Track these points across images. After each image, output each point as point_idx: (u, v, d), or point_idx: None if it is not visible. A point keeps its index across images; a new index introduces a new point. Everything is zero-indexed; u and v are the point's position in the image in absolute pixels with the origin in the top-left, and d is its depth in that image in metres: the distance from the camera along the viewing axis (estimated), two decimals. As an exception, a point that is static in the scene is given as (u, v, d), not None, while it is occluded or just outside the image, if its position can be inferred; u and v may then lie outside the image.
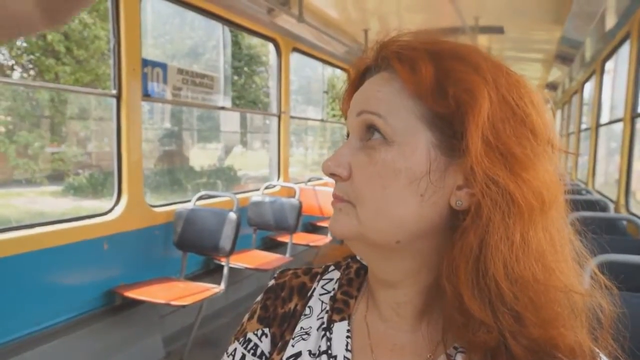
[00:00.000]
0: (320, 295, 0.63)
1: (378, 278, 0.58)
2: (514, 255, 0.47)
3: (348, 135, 0.56)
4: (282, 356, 0.59)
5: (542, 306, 0.48)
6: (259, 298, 0.68)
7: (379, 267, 0.57)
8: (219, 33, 12.06)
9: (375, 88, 0.54)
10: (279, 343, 0.62)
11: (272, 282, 0.69)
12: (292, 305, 0.64)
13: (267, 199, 4.23)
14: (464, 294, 0.48)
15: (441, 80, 0.49)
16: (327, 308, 0.61)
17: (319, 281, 0.66)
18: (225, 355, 0.66)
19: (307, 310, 0.62)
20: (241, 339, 0.65)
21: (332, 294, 0.63)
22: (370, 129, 0.52)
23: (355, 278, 0.64)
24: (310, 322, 0.61)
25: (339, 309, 0.60)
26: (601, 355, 0.51)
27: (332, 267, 0.67)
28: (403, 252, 0.53)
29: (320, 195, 4.78)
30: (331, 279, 0.65)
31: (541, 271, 0.48)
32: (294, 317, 0.63)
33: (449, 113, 0.49)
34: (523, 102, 0.50)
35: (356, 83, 0.58)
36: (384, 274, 0.56)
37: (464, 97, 0.48)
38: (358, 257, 0.66)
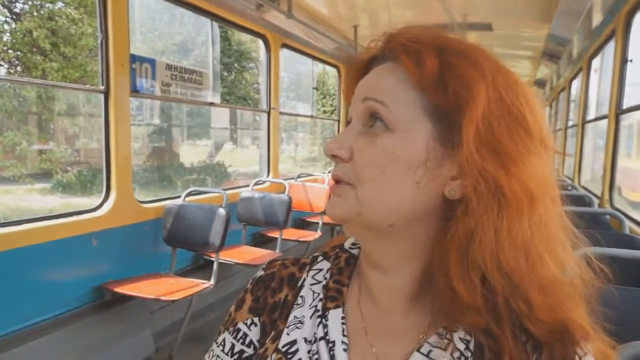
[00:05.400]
0: (311, 285, 0.65)
1: (372, 261, 0.59)
2: (500, 245, 0.50)
3: (349, 122, 0.58)
4: (277, 344, 0.60)
5: (532, 292, 0.51)
6: (248, 287, 0.69)
7: (373, 250, 0.58)
8: (208, 29, 11.99)
9: (381, 77, 0.56)
10: (270, 331, 0.63)
11: (261, 272, 0.70)
12: (282, 296, 0.66)
13: (256, 195, 4.24)
14: (454, 280, 0.51)
15: (443, 75, 0.51)
16: (321, 297, 0.62)
17: (308, 271, 0.67)
18: (214, 344, 0.67)
19: (300, 300, 0.64)
20: (231, 329, 0.66)
21: (324, 283, 0.64)
22: (373, 116, 0.54)
23: (345, 267, 0.65)
24: (303, 311, 0.62)
25: (332, 297, 0.62)
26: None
27: (320, 258, 0.68)
28: (396, 236, 0.55)
29: (310, 191, 4.80)
30: (321, 269, 0.66)
31: (524, 261, 0.51)
32: (285, 307, 0.64)
33: (448, 106, 0.52)
34: (518, 101, 0.52)
35: (361, 71, 0.60)
36: (378, 257, 0.58)
37: (463, 93, 0.51)
38: (346, 247, 0.68)
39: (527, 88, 0.55)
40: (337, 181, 0.56)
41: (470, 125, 0.50)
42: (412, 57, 0.53)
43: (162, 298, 2.73)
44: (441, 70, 0.51)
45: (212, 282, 3.03)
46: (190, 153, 14.46)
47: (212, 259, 3.23)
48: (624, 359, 0.93)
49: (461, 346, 0.53)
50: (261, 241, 4.48)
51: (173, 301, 2.76)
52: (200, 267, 3.70)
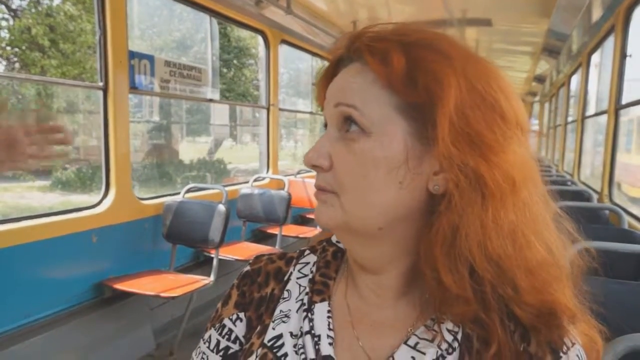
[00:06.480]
0: (298, 279, 0.64)
1: (361, 265, 0.59)
2: (487, 235, 0.50)
3: (326, 125, 0.57)
4: (263, 339, 0.59)
5: (519, 276, 0.51)
6: (234, 282, 0.69)
7: (361, 254, 0.58)
8: (207, 25, 11.98)
9: (349, 79, 0.54)
10: (257, 326, 0.63)
11: (247, 267, 0.69)
12: (268, 290, 0.65)
13: (256, 191, 4.24)
14: (441, 273, 0.50)
15: (412, 71, 0.50)
16: (307, 290, 0.62)
17: (295, 265, 0.67)
18: (201, 341, 0.66)
19: (286, 294, 0.63)
20: (217, 325, 0.66)
21: (310, 276, 0.64)
22: (348, 120, 0.53)
23: (332, 261, 0.65)
24: (289, 305, 0.62)
25: (318, 290, 0.61)
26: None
27: (307, 252, 0.68)
28: (384, 239, 0.55)
29: (309, 187, 4.80)
30: (307, 263, 0.66)
31: (511, 247, 0.51)
32: (271, 301, 0.64)
33: (420, 102, 0.50)
34: (492, 88, 0.51)
35: (330, 74, 0.59)
36: (367, 261, 0.58)
37: (434, 87, 0.49)
38: (333, 240, 0.67)
39: (499, 74, 0.54)
40: (321, 189, 0.56)
41: (443, 120, 0.49)
42: (377, 56, 0.51)
43: (162, 294, 2.73)
44: (409, 67, 0.50)
45: (212, 278, 3.04)
46: (190, 150, 14.48)
47: (212, 255, 3.24)
48: (621, 351, 0.94)
49: (449, 337, 0.53)
50: (261, 237, 4.48)
51: (173, 297, 2.77)
52: (200, 264, 3.71)
